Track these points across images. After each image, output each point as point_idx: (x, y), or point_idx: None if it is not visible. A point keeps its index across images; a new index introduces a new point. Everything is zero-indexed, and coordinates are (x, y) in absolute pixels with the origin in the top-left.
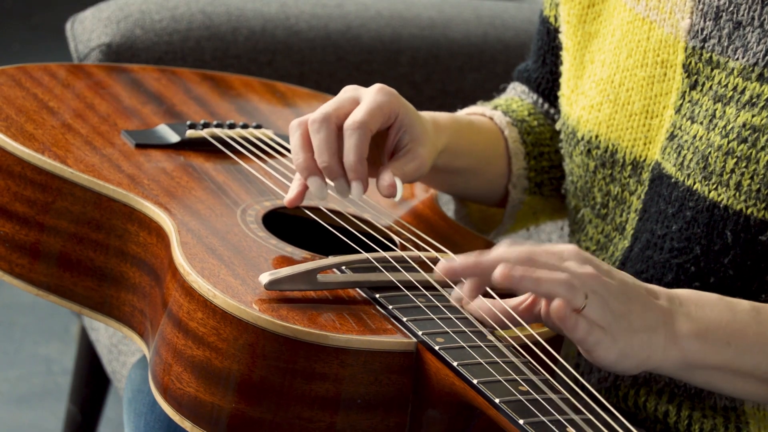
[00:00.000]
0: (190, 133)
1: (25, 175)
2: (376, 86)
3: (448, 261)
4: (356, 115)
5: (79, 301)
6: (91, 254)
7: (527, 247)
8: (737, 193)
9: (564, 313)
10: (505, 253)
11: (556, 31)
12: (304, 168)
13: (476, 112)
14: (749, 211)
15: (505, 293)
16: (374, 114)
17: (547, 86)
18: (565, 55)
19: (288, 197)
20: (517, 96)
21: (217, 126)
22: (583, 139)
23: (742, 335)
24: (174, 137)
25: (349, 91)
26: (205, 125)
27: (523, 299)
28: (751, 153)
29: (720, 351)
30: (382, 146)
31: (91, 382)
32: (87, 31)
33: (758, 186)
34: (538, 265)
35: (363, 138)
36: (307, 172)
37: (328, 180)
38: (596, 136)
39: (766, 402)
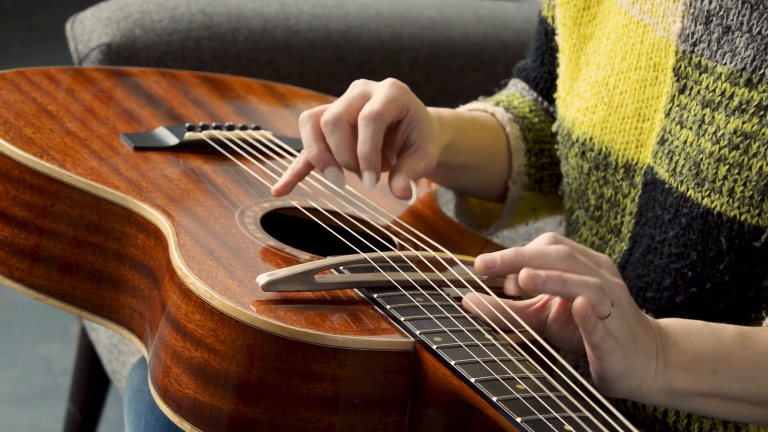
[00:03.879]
0: (189, 135)
1: (23, 179)
2: (388, 80)
3: (487, 255)
4: (373, 105)
5: (78, 304)
6: (90, 257)
7: (569, 244)
8: (730, 200)
9: (586, 312)
10: (546, 249)
11: (553, 32)
12: (318, 160)
13: (478, 108)
14: (743, 217)
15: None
16: (389, 105)
17: (545, 85)
18: (561, 58)
19: (276, 186)
20: (518, 92)
21: (216, 128)
22: (577, 141)
23: (728, 362)
24: (173, 139)
25: (358, 86)
26: (204, 127)
27: (533, 302)
28: (743, 160)
29: (706, 379)
30: (390, 141)
31: (91, 382)
32: (87, 31)
33: (751, 192)
34: (578, 264)
35: (378, 129)
36: (323, 164)
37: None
38: (590, 139)
39: (760, 423)
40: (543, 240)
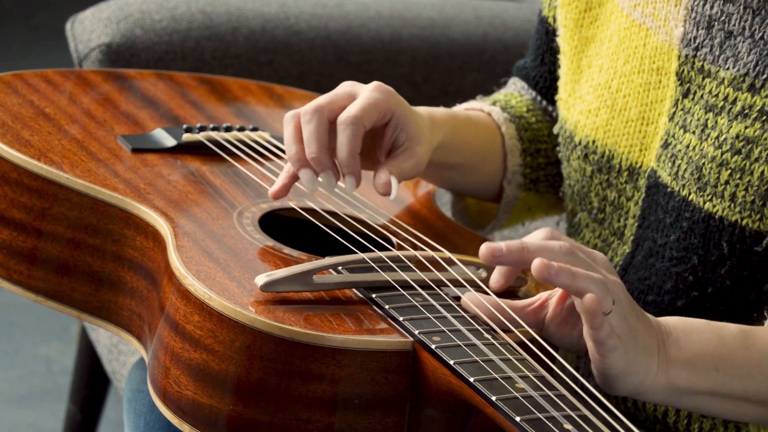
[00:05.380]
0: (187, 136)
1: (21, 181)
2: (373, 84)
3: (493, 243)
4: (350, 111)
5: (77, 306)
6: (89, 259)
7: (569, 241)
8: (732, 205)
9: (596, 308)
10: (549, 244)
11: (554, 32)
12: (295, 159)
13: (475, 107)
14: (744, 222)
15: (504, 293)
16: (368, 110)
17: (545, 85)
18: (563, 59)
19: (273, 189)
20: (516, 91)
21: (214, 129)
22: (580, 143)
23: (730, 360)
24: (170, 141)
25: (346, 86)
26: (202, 129)
27: (531, 301)
28: (745, 164)
29: (708, 377)
30: (379, 144)
31: (91, 382)
32: (87, 31)
33: (753, 197)
34: (579, 260)
35: (356, 133)
36: (299, 164)
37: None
38: (593, 141)
39: (761, 422)
40: (540, 235)
